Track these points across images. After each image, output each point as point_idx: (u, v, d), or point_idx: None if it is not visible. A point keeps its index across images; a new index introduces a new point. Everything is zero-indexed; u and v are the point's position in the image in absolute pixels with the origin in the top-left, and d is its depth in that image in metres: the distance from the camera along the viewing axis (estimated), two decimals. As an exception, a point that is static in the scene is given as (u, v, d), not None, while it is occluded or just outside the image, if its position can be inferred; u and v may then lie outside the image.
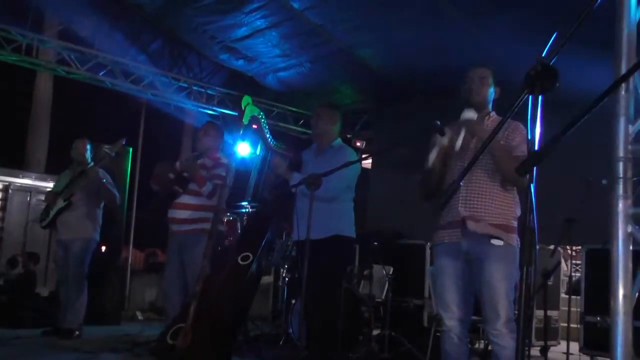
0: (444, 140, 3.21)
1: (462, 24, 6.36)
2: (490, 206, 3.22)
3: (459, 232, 3.23)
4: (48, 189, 9.06)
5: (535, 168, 1.85)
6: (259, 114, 4.63)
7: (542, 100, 1.90)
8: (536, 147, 1.90)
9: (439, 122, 3.27)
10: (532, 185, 1.84)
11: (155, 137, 10.65)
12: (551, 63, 1.89)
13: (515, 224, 3.30)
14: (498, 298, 3.15)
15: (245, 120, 4.55)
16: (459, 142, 3.26)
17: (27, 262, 7.71)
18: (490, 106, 3.41)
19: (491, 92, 3.39)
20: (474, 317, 3.43)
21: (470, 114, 3.25)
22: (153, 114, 9.79)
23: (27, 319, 6.59)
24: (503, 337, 3.14)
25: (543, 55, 1.92)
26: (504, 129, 3.22)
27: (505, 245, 3.20)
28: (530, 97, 1.93)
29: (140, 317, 7.71)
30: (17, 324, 6.41)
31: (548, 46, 1.93)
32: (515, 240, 3.25)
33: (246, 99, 4.61)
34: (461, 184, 2.57)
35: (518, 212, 3.32)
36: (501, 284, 3.16)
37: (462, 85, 3.40)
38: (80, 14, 7.35)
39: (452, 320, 3.28)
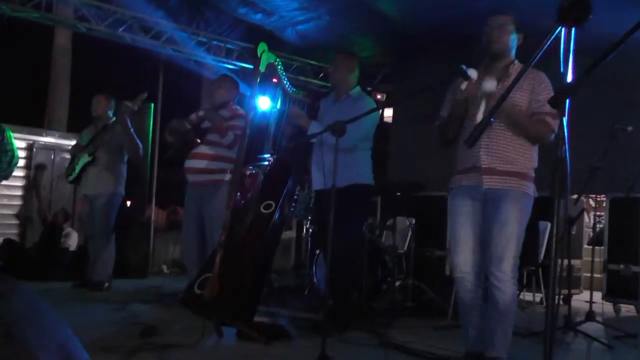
0: (473, 76, 3.17)
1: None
2: (511, 154, 3.22)
3: (478, 177, 3.24)
4: (70, 147, 9.21)
5: (567, 101, 1.85)
6: (276, 61, 4.57)
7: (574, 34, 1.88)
8: (569, 80, 1.90)
9: (465, 66, 3.24)
10: (564, 118, 1.84)
11: (174, 93, 10.66)
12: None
13: (533, 173, 3.30)
14: (508, 239, 3.15)
15: (262, 68, 4.50)
16: (480, 114, 3.22)
17: (56, 218, 7.85)
18: (512, 53, 3.37)
19: (513, 39, 3.34)
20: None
21: (489, 86, 3.19)
22: (171, 69, 9.78)
23: (57, 273, 6.74)
24: (506, 282, 3.14)
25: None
26: (528, 79, 3.19)
27: (523, 191, 3.21)
28: (562, 30, 1.91)
29: (166, 271, 7.86)
30: (48, 278, 6.55)
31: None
32: (531, 189, 3.26)
33: (262, 46, 4.52)
34: (492, 119, 2.55)
35: (536, 162, 3.32)
36: (513, 225, 3.17)
37: (482, 34, 3.36)
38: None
39: (466, 265, 3.28)
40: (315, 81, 9.34)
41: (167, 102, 9.52)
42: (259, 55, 4.42)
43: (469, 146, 2.65)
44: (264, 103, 4.93)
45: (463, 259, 3.30)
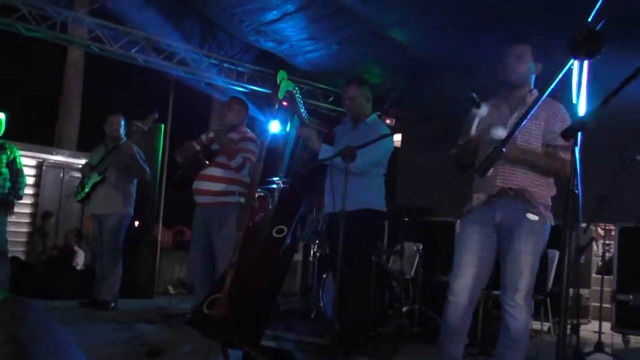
0: (483, 111, 3.19)
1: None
2: (527, 182, 3.21)
3: (493, 205, 3.23)
4: (80, 166, 9.26)
5: (580, 134, 1.86)
6: (294, 89, 4.64)
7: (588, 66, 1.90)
8: (581, 113, 1.91)
9: (474, 94, 3.26)
10: (576, 150, 1.85)
11: (184, 113, 10.75)
12: (597, 28, 1.89)
13: (550, 202, 3.29)
14: (523, 270, 3.14)
15: (280, 95, 4.56)
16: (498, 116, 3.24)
17: (71, 238, 7.90)
18: (530, 83, 3.38)
19: (530, 69, 3.34)
20: (495, 292, 3.42)
21: (499, 134, 3.18)
22: (182, 90, 9.87)
23: (63, 291, 6.74)
24: (519, 310, 3.13)
25: (589, 20, 1.91)
26: (544, 108, 3.20)
27: (540, 221, 3.20)
28: (575, 62, 1.93)
29: (172, 292, 7.84)
30: (54, 296, 6.56)
31: (594, 11, 1.92)
32: (548, 218, 3.25)
33: (281, 74, 4.61)
34: (503, 150, 2.56)
35: (554, 190, 3.32)
36: (529, 256, 3.16)
37: (499, 63, 3.37)
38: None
39: (462, 290, 3.23)
40: (324, 105, 9.40)
41: (176, 122, 9.58)
42: (278, 82, 4.48)
43: (480, 175, 2.66)
44: (280, 128, 4.97)
45: (461, 284, 3.26)
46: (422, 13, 6.92)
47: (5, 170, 6.05)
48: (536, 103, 2.44)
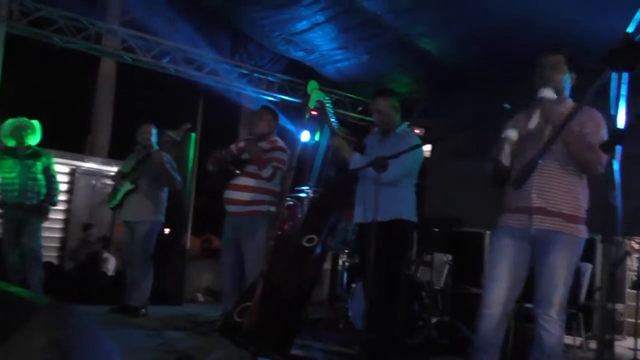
0: (512, 136, 3.18)
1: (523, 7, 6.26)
2: (562, 195, 3.18)
3: (528, 218, 3.21)
4: (111, 173, 9.38)
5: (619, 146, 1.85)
6: (325, 99, 4.67)
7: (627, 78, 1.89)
8: (619, 125, 1.89)
9: (508, 105, 3.25)
10: (616, 162, 1.84)
11: (213, 123, 10.84)
12: (637, 39, 1.87)
13: (584, 214, 3.26)
14: (557, 284, 3.12)
15: (311, 105, 4.60)
16: (533, 123, 3.23)
17: (94, 237, 8.01)
18: (566, 93, 3.36)
19: (566, 79, 3.32)
20: (528, 305, 3.39)
21: (547, 92, 3.18)
22: (211, 100, 9.95)
23: (94, 297, 6.83)
24: (553, 324, 3.11)
25: (629, 31, 1.90)
26: (579, 116, 3.17)
27: (574, 234, 3.18)
28: (613, 74, 1.92)
29: (201, 299, 7.90)
30: (85, 301, 6.64)
31: (635, 22, 1.90)
32: (583, 232, 3.22)
33: (312, 84, 4.65)
34: (540, 161, 2.54)
35: (587, 204, 3.29)
36: (563, 270, 3.14)
37: (534, 72, 3.35)
38: (146, 3, 7.53)
39: (496, 302, 3.23)
40: (353, 114, 9.41)
41: (206, 131, 9.67)
42: (309, 92, 4.52)
43: (516, 187, 2.65)
44: (310, 138, 5.00)
45: (494, 296, 3.26)
46: (451, 22, 6.91)
47: (40, 177, 6.17)
48: (572, 114, 2.43)
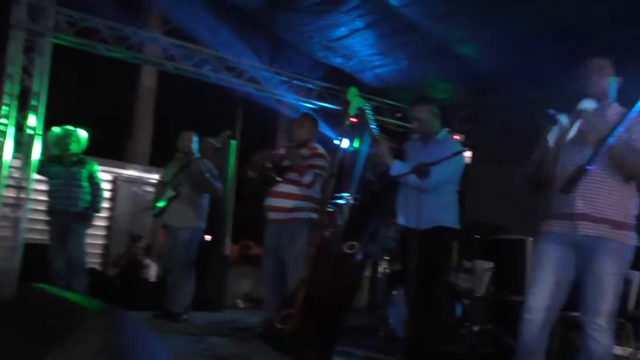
0: (563, 122, 3.14)
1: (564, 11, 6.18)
2: (608, 202, 3.12)
3: (573, 225, 3.16)
4: (152, 180, 9.49)
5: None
6: (365, 105, 4.67)
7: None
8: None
9: (552, 111, 3.21)
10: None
11: (252, 130, 10.91)
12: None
13: (632, 221, 3.19)
14: (605, 291, 3.06)
15: (351, 112, 4.61)
16: (572, 132, 3.19)
17: (141, 248, 8.13)
18: (611, 97, 3.30)
19: (611, 83, 3.27)
20: (572, 314, 3.34)
21: (587, 104, 3.17)
22: (250, 107, 10.03)
23: (137, 302, 6.91)
24: (601, 332, 3.05)
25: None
26: (626, 121, 3.11)
27: (622, 241, 3.12)
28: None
29: (241, 305, 7.94)
30: (128, 307, 6.72)
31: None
32: (631, 238, 3.16)
33: (352, 91, 4.67)
34: (589, 168, 2.50)
35: (637, 210, 3.22)
36: (611, 277, 3.07)
37: (579, 77, 3.30)
38: (186, 12, 7.64)
39: (538, 307, 3.18)
40: (392, 120, 9.38)
41: (245, 138, 9.74)
42: (349, 99, 4.53)
43: (566, 192, 2.61)
44: (350, 145, 5.01)
45: (537, 301, 3.21)
46: (489, 26, 6.86)
47: (85, 184, 6.29)
48: (622, 119, 2.39)
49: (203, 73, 7.78)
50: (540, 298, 3.20)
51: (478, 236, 5.99)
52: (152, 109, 11.79)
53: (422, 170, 3.64)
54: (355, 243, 4.45)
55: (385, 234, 5.94)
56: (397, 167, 4.38)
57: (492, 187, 7.95)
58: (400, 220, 4.53)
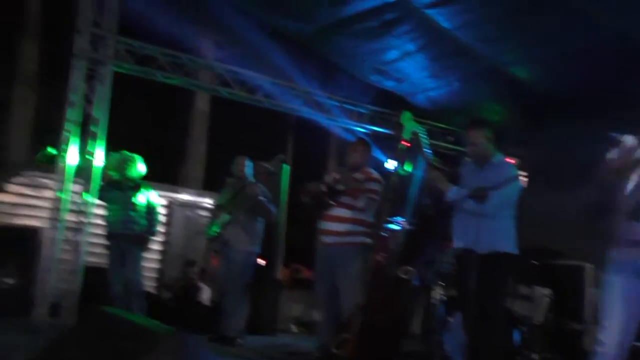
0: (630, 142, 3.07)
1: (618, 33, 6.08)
2: None
3: None
4: (205, 204, 9.62)
5: None
6: (419, 129, 4.65)
7: None
8: None
9: (615, 134, 3.15)
10: None
11: (303, 154, 10.98)
12: None
13: None
14: None
15: (405, 136, 4.60)
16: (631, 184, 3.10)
17: (196, 273, 8.23)
18: None
19: None
20: (636, 344, 3.24)
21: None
22: (301, 131, 10.11)
23: (192, 326, 6.98)
24: None
25: None
26: None
27: None
28: None
29: (295, 330, 7.95)
30: (183, 331, 6.79)
31: None
32: None
33: (406, 115, 4.66)
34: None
35: None
36: None
37: None
38: (239, 39, 7.80)
39: (610, 341, 3.11)
40: (443, 144, 9.32)
41: (295, 162, 9.79)
42: (402, 123, 4.52)
43: (634, 219, 2.54)
44: (403, 169, 4.98)
45: (608, 335, 3.13)
46: (545, 47, 6.79)
47: (141, 209, 6.42)
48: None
49: (257, 98, 7.91)
50: (613, 332, 3.13)
51: (535, 261, 5.87)
52: (206, 134, 12.01)
53: (480, 195, 3.61)
54: (410, 268, 4.41)
55: (442, 259, 5.87)
56: (453, 192, 4.34)
57: (547, 211, 7.80)
58: (456, 245, 4.48)
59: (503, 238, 4.35)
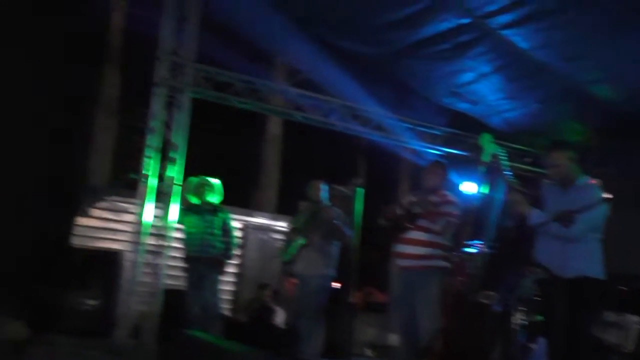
0: None
1: None
2: None
3: None
4: (279, 228, 9.69)
5: None
6: (498, 151, 4.57)
7: None
8: None
9: None
10: None
11: (374, 176, 10.93)
12: None
13: None
14: None
15: (485, 158, 4.52)
16: None
17: (269, 296, 8.28)
18: None
19: None
20: None
21: None
22: (372, 153, 10.06)
23: (267, 349, 6.99)
24: None
25: None
26: None
27: None
28: None
29: (369, 354, 7.85)
30: (260, 353, 6.80)
31: None
32: None
33: (486, 137, 4.59)
34: None
35: None
36: None
37: None
38: (312, 63, 7.87)
39: None
40: (520, 165, 9.10)
41: (368, 185, 9.72)
42: (482, 145, 4.45)
43: None
44: (481, 191, 4.90)
45: None
46: (626, 64, 6.56)
47: (218, 232, 6.51)
48: None
49: (330, 122, 7.94)
50: None
51: (623, 287, 5.63)
52: (278, 158, 12.16)
53: (566, 219, 3.48)
54: (491, 293, 4.30)
55: (522, 283, 5.71)
56: (536, 216, 4.22)
57: (632, 234, 7.49)
58: (540, 270, 4.34)
59: (590, 263, 4.19)
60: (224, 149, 12.09)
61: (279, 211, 11.09)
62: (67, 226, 7.44)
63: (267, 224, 9.95)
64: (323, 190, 6.48)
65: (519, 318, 6.25)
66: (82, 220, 8.15)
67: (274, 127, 12.02)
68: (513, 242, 4.66)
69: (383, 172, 11.76)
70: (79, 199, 8.04)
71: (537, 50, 6.62)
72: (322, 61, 7.75)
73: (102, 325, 6.93)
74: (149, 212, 6.78)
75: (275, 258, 7.82)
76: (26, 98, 6.17)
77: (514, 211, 4.46)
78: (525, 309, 6.02)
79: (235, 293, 9.38)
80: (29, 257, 5.95)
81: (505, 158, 4.59)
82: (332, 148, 11.54)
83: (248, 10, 6.66)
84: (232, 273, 9.29)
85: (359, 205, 8.35)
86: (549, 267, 4.15)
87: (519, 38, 6.53)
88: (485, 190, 4.89)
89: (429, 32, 6.70)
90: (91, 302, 7.20)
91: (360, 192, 8.33)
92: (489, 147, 4.56)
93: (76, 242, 7.88)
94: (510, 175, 4.55)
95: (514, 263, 4.61)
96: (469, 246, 5.83)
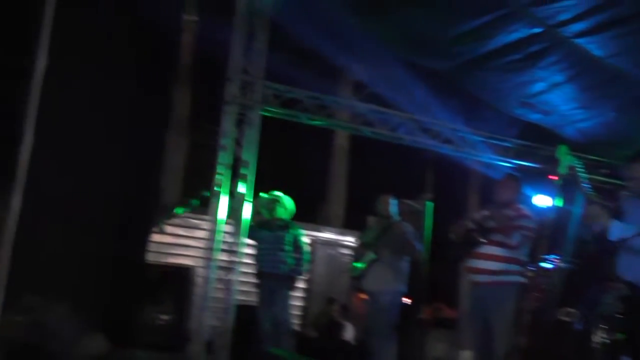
0: None
1: None
2: None
3: None
4: (347, 242, 9.69)
5: None
6: (576, 164, 4.45)
7: None
8: None
9: None
10: None
11: (443, 190, 10.81)
12: None
13: None
14: None
15: (562, 170, 4.41)
16: None
17: (337, 311, 8.26)
18: None
19: None
20: None
21: None
22: (440, 166, 9.95)
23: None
24: None
25: None
26: None
27: None
28: None
29: (443, 371, 7.74)
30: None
31: None
32: None
33: (562, 149, 4.49)
34: None
35: None
36: None
37: None
38: (380, 77, 7.86)
39: None
40: (596, 177, 8.80)
41: (436, 199, 9.63)
42: (558, 157, 4.35)
43: None
44: (558, 205, 4.78)
45: None
46: None
47: (289, 248, 6.54)
48: None
49: (399, 136, 7.88)
50: None
51: None
52: (345, 172, 12.18)
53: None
54: (572, 310, 4.16)
55: (603, 300, 5.51)
56: (618, 229, 4.06)
57: None
58: (622, 285, 4.18)
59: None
60: (290, 164, 12.21)
61: (346, 226, 11.10)
62: (142, 243, 7.62)
63: (334, 239, 9.96)
64: (393, 205, 6.44)
65: (600, 336, 6.03)
66: (156, 237, 8.34)
67: (341, 140, 12.07)
68: (593, 256, 4.50)
69: (452, 186, 11.61)
70: (153, 216, 8.24)
71: (612, 57, 6.40)
72: (391, 75, 7.73)
73: (175, 340, 7.06)
74: (221, 228, 6.87)
75: (343, 273, 7.81)
76: (103, 118, 6.36)
77: (594, 224, 4.33)
78: (607, 326, 5.80)
79: (303, 308, 9.41)
80: (107, 273, 6.12)
81: (583, 170, 4.46)
82: (399, 161, 11.48)
83: (315, 25, 6.71)
84: (301, 288, 9.33)
85: (428, 220, 8.31)
86: (633, 283, 3.99)
87: (593, 46, 6.34)
88: (560, 203, 4.76)
89: (499, 43, 6.57)
90: (164, 317, 7.34)
91: (430, 206, 8.29)
92: (566, 159, 4.46)
93: (150, 258, 8.06)
94: (589, 187, 4.42)
95: (595, 278, 4.44)
96: (545, 261, 5.67)
